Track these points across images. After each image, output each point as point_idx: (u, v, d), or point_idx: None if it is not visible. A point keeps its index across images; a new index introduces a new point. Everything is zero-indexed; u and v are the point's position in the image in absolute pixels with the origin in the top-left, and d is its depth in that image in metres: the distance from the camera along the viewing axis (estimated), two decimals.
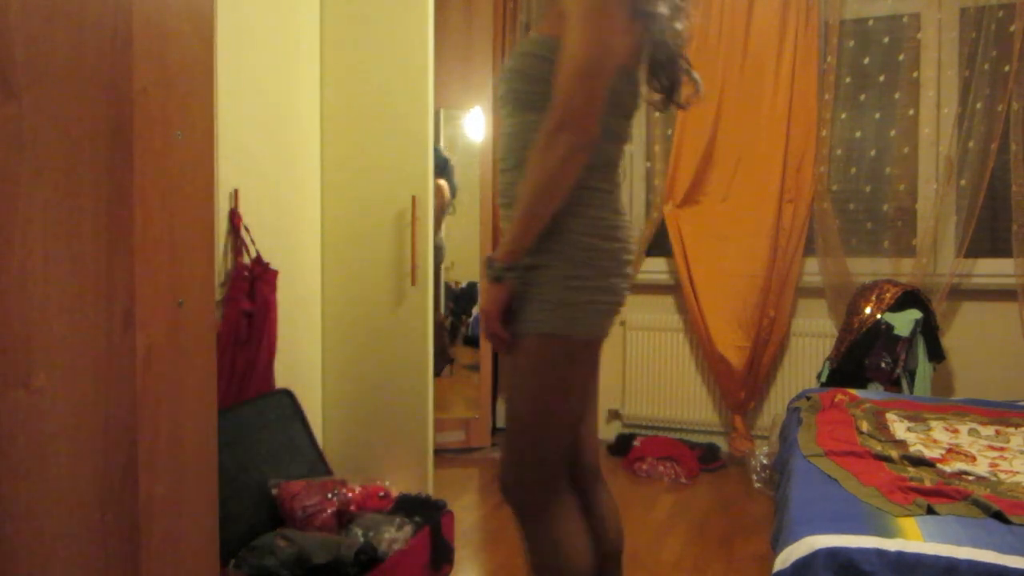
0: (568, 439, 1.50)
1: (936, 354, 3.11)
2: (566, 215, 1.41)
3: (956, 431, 2.31)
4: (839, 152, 3.58)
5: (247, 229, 2.41)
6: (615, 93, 1.41)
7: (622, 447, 3.70)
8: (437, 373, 3.81)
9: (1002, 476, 1.88)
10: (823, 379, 3.23)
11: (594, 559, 1.49)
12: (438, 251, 4.40)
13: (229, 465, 2.21)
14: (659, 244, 3.87)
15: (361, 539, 2.10)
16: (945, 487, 1.71)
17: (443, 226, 4.43)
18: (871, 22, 3.52)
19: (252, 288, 2.39)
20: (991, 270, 3.34)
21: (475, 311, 4.45)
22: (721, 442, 3.77)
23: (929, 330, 3.10)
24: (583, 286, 1.41)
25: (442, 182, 4.42)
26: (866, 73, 3.54)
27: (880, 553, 1.41)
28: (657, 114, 3.78)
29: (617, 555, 1.63)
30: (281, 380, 2.55)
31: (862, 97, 3.56)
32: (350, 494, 2.29)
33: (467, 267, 4.40)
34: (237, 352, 2.34)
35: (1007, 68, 3.20)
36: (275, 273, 2.47)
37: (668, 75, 1.53)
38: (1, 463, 0.92)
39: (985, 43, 3.23)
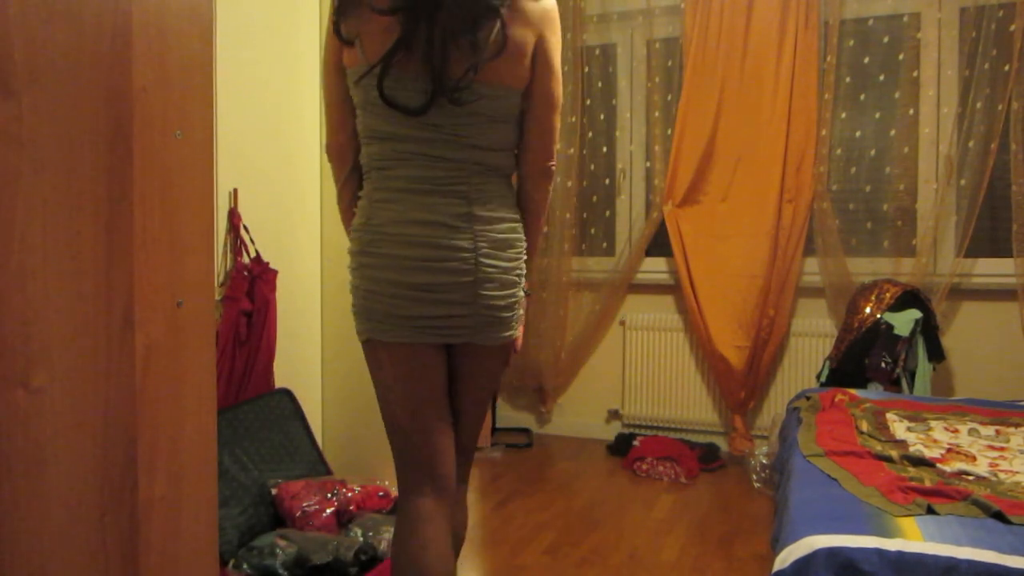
0: (401, 442, 1.54)
1: (936, 354, 3.11)
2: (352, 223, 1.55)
3: (956, 431, 2.31)
4: (839, 152, 3.58)
5: (247, 229, 2.41)
6: (356, 95, 1.46)
7: (622, 447, 3.70)
8: None
9: (1002, 476, 1.88)
10: (823, 379, 3.23)
11: (433, 562, 1.45)
12: None
13: (229, 465, 2.21)
14: (659, 244, 3.87)
15: (361, 539, 2.10)
16: (945, 487, 1.71)
17: None
18: (871, 22, 3.52)
19: (252, 288, 2.39)
20: (991, 270, 3.34)
21: None
22: (721, 442, 3.77)
23: (929, 330, 3.10)
24: (352, 290, 1.51)
25: None
26: (866, 73, 3.54)
27: (880, 553, 1.41)
28: (657, 114, 3.79)
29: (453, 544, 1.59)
30: (281, 380, 2.55)
31: (862, 97, 3.56)
32: (350, 494, 2.29)
33: None
34: (237, 352, 2.34)
35: (1007, 67, 3.20)
36: (275, 273, 2.47)
37: (439, 56, 1.38)
38: (1, 463, 0.92)
39: (985, 42, 3.23)
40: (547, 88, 1.50)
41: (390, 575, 1.48)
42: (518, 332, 1.57)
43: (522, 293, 1.56)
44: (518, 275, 1.53)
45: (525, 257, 1.56)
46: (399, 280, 1.43)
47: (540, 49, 1.47)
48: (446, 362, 1.53)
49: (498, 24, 1.39)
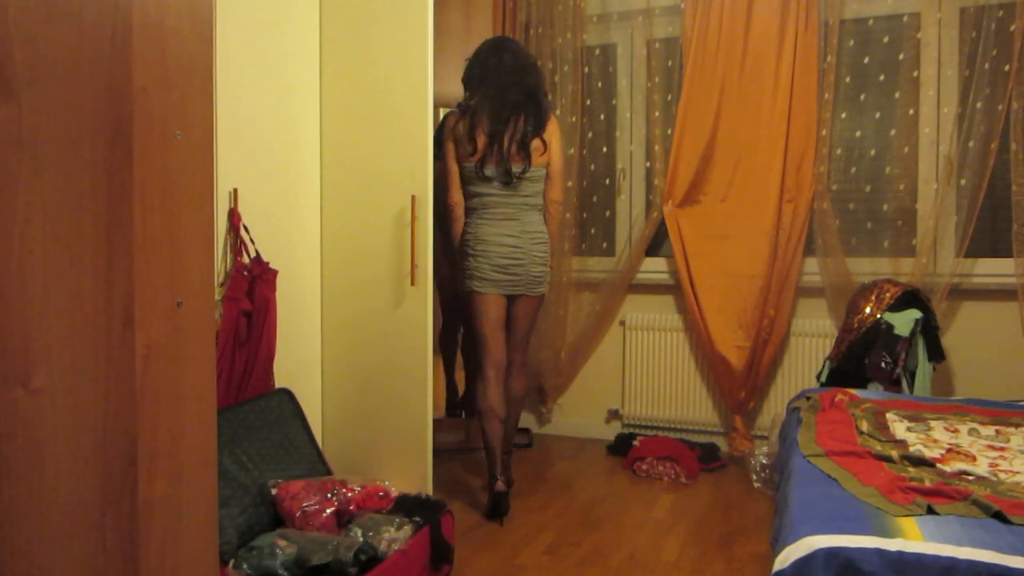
0: (481, 347, 2.98)
1: (936, 354, 3.11)
2: (463, 235, 2.99)
3: (956, 431, 2.31)
4: (839, 152, 3.58)
5: (247, 229, 2.41)
6: (461, 174, 2.96)
7: (622, 447, 3.70)
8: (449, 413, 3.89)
9: (1002, 476, 1.88)
10: (823, 379, 3.23)
11: (494, 402, 2.93)
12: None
13: (229, 465, 2.21)
14: (659, 244, 3.87)
15: (361, 539, 2.10)
16: (945, 487, 1.71)
17: None
18: (871, 21, 3.52)
19: (252, 288, 2.38)
20: (991, 270, 3.34)
21: None
22: (721, 442, 3.77)
23: (929, 330, 3.10)
24: (463, 267, 2.98)
25: None
26: (866, 73, 3.54)
27: (880, 553, 1.41)
28: (657, 114, 3.79)
29: (514, 401, 3.06)
30: (281, 380, 2.55)
31: (862, 97, 3.56)
32: (350, 494, 2.28)
33: None
34: (237, 352, 2.34)
35: (1007, 67, 3.20)
36: (275, 273, 2.47)
37: (507, 161, 2.91)
38: (1, 463, 0.92)
39: (985, 42, 3.23)
40: (557, 161, 3.00)
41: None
42: (545, 289, 3.06)
43: (548, 268, 3.03)
44: (547, 258, 3.01)
45: (549, 248, 3.02)
46: (492, 264, 2.91)
47: (552, 142, 2.97)
48: (507, 305, 2.98)
49: (540, 141, 2.93)
